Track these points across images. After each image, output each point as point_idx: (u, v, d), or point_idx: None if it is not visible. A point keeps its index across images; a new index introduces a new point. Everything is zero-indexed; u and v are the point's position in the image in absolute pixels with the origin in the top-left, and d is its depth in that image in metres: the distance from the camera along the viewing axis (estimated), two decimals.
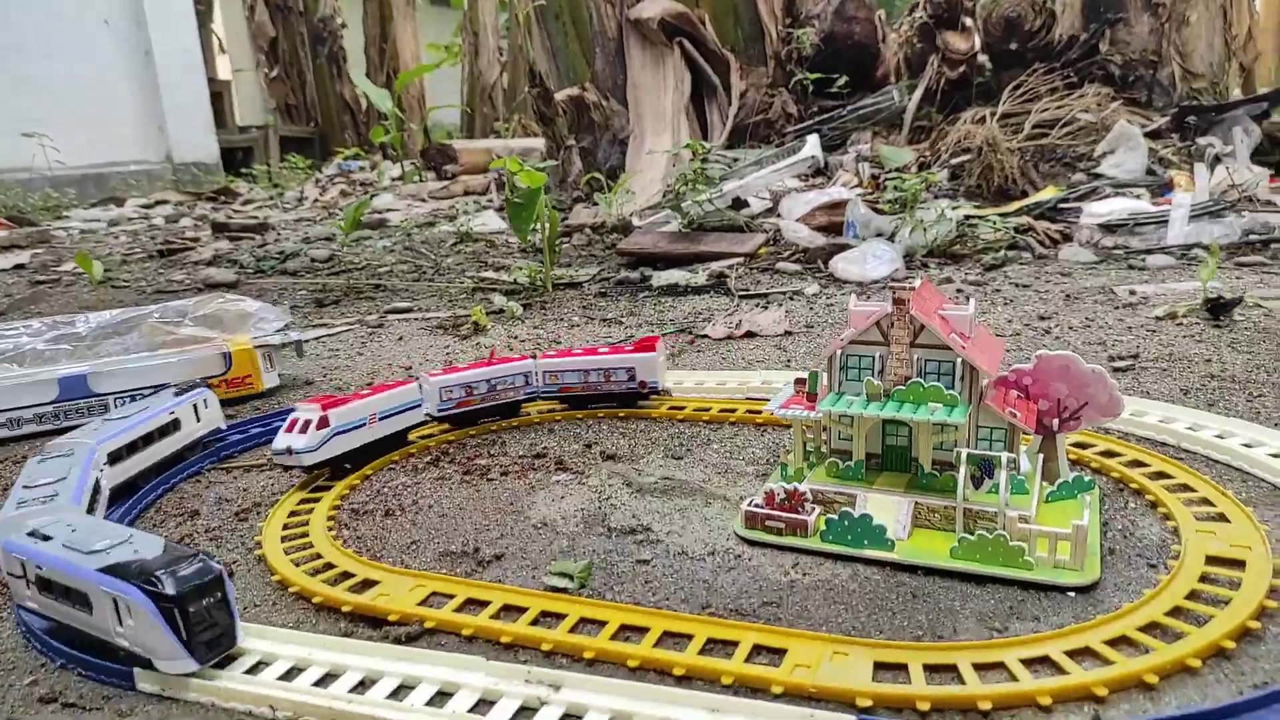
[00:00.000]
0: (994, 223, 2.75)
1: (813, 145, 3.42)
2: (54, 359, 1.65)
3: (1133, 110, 3.50)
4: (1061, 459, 1.07)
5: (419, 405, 1.37)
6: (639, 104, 4.52)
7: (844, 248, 2.67)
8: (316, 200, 6.21)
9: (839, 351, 1.04)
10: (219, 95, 9.28)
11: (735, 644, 0.81)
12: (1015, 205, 2.99)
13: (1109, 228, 2.64)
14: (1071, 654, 0.76)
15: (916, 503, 0.99)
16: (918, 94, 3.89)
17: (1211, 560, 0.89)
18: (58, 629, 0.87)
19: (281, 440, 1.20)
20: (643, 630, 0.84)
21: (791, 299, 2.30)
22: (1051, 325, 1.84)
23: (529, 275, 2.66)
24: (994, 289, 2.21)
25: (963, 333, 1.01)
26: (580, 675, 0.77)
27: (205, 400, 1.40)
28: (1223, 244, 2.46)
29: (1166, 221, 2.56)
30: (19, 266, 3.71)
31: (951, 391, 0.97)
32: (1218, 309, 1.76)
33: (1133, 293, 2.01)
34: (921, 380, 0.98)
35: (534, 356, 1.48)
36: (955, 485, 0.96)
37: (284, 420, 1.24)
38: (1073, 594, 0.86)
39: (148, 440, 1.26)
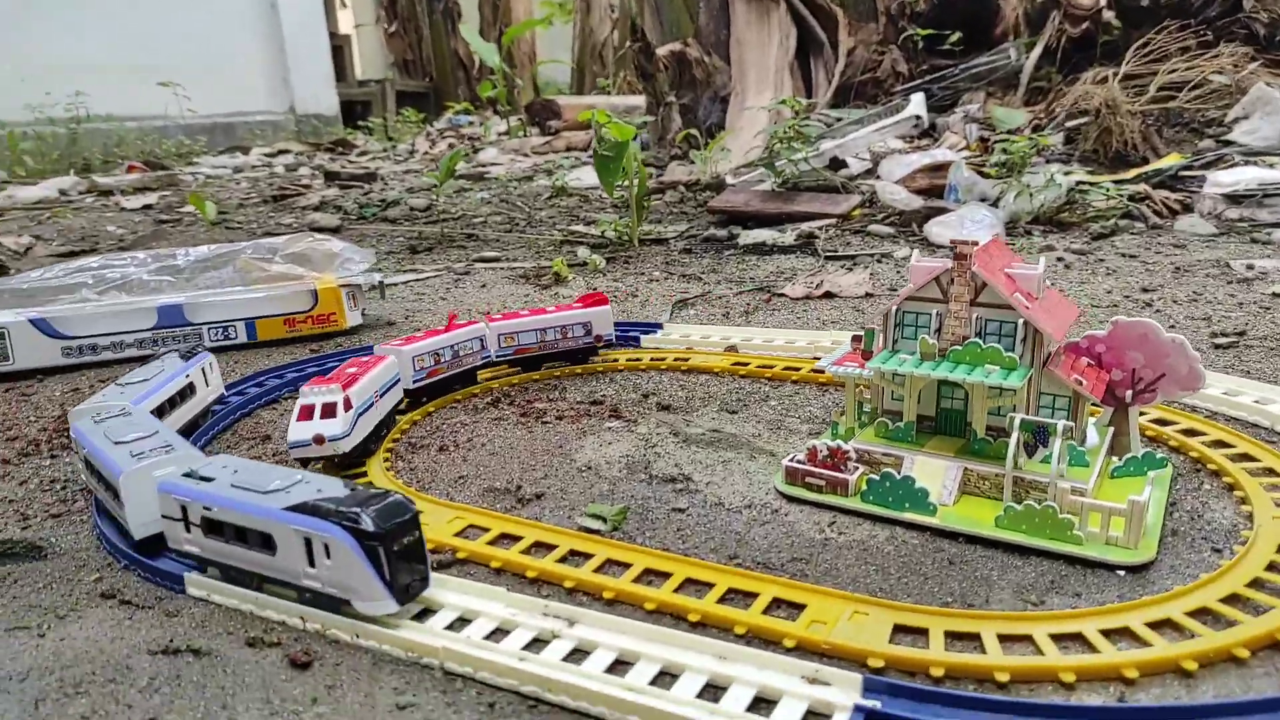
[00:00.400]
0: (1107, 190, 2.59)
1: (917, 104, 3.28)
2: (157, 289, 1.75)
3: (1275, 72, 3.21)
4: (1134, 433, 1.01)
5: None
6: (742, 61, 4.43)
7: (941, 211, 2.56)
8: (426, 153, 6.36)
9: (895, 308, 1.00)
10: (339, 49, 9.57)
11: (755, 595, 0.80)
12: (1133, 172, 2.80)
13: (1235, 198, 2.45)
14: (1107, 633, 0.72)
15: (966, 469, 0.95)
16: (1036, 52, 3.67)
17: None
18: (221, 572, 0.84)
19: (303, 430, 1.05)
20: (666, 575, 0.84)
21: (879, 262, 2.23)
22: (1154, 298, 1.72)
23: (616, 229, 2.66)
24: (1098, 259, 2.08)
25: (1029, 293, 0.96)
26: (596, 613, 0.77)
27: (210, 364, 1.32)
28: None
29: None
30: (147, 207, 3.94)
31: (1011, 354, 0.92)
32: None
33: (1250, 267, 1.86)
34: (980, 341, 0.94)
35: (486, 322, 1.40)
36: (1007, 452, 0.92)
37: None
38: (1122, 573, 0.81)
39: (172, 404, 1.19)
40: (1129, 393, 1.00)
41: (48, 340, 1.60)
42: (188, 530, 0.84)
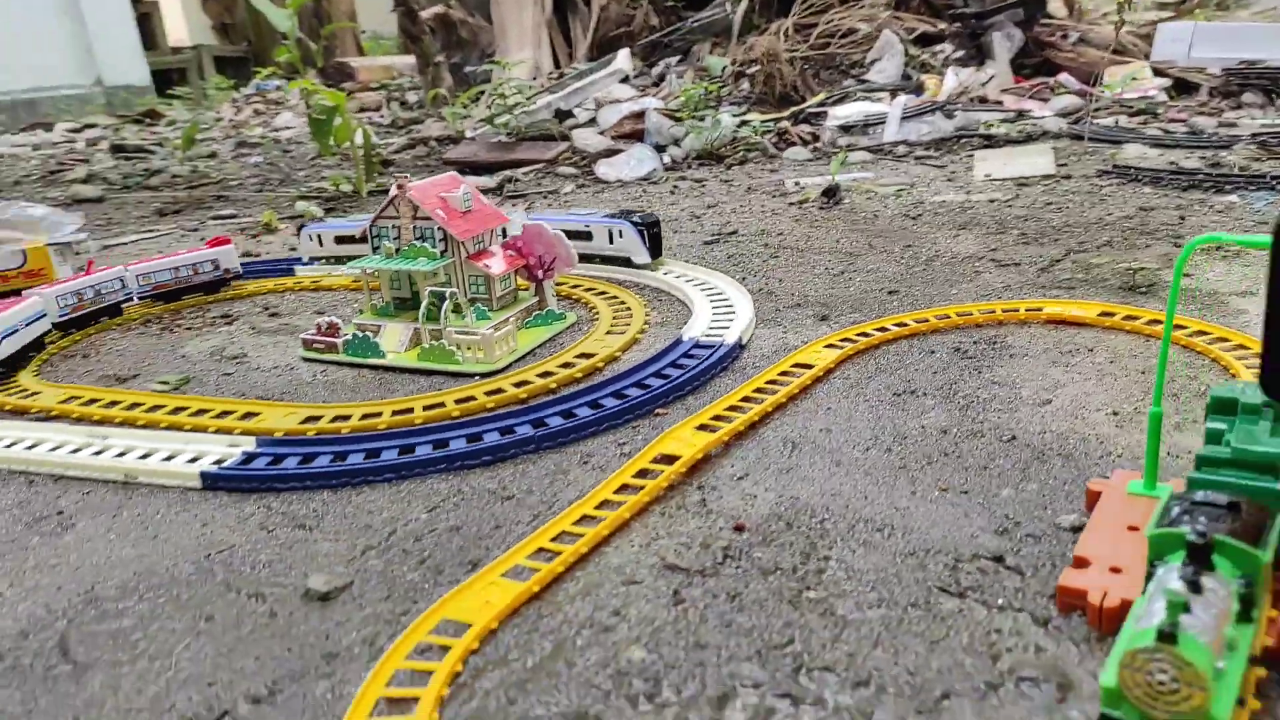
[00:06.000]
0: (754, 127, 3.13)
1: (622, 59, 3.75)
2: None
3: (920, 18, 3.82)
4: (549, 296, 1.51)
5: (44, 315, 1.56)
6: (502, 20, 4.81)
7: (616, 153, 3.05)
8: (230, 120, 6.49)
9: (370, 225, 1.46)
10: (148, 16, 9.40)
11: (234, 411, 1.25)
12: (789, 111, 3.36)
13: (846, 128, 3.03)
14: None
15: (416, 328, 1.42)
16: (743, 6, 4.19)
17: (582, 355, 1.33)
18: None
19: None
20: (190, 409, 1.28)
21: (545, 198, 2.70)
22: (712, 211, 2.25)
23: (334, 184, 3.05)
24: (704, 186, 2.61)
25: (453, 209, 1.43)
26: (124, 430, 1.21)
27: None
28: (927, 140, 2.86)
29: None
30: None
31: (434, 250, 1.39)
32: (828, 194, 2.17)
33: (797, 184, 2.42)
34: (415, 242, 1.41)
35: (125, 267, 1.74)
36: (435, 315, 1.39)
37: None
38: (476, 376, 1.30)
39: None
40: (541, 271, 1.49)
41: None
42: None
